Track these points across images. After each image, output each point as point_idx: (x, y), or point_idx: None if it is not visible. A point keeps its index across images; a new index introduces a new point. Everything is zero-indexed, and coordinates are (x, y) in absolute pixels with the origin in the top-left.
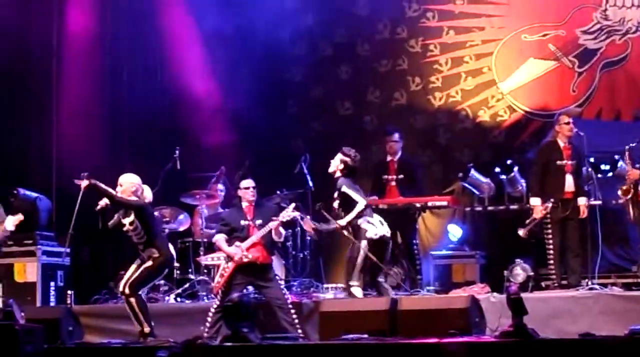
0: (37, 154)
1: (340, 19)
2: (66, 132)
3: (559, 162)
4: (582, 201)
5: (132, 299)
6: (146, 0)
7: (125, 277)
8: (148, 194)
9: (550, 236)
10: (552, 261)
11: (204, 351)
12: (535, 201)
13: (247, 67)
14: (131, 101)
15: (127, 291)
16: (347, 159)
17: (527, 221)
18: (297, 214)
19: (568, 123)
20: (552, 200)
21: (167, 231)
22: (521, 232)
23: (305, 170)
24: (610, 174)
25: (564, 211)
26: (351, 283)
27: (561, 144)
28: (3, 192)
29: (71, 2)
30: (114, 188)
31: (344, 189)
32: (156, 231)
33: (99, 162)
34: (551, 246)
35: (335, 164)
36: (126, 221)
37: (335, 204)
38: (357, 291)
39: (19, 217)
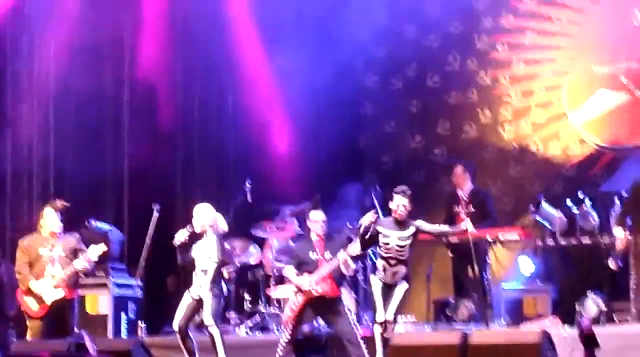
0: (110, 186)
1: (411, 52)
2: (138, 165)
3: None
4: None
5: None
6: (217, 34)
7: (206, 309)
8: (223, 225)
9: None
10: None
11: None
12: (617, 232)
13: (318, 100)
14: (202, 134)
15: (214, 323)
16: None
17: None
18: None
19: None
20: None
21: (238, 264)
22: (611, 263)
23: (376, 203)
24: None
25: None
26: None
27: None
28: (76, 224)
29: (144, 34)
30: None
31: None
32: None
33: (171, 194)
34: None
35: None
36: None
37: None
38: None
39: (102, 247)
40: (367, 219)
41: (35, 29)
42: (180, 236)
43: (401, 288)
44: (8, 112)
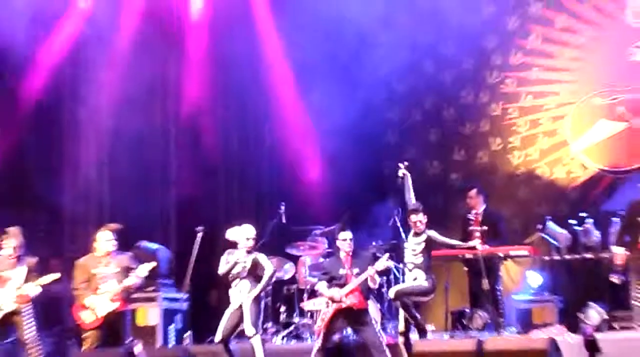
0: (159, 210)
1: (427, 87)
2: (184, 191)
3: None
4: None
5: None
6: (254, 75)
7: (247, 320)
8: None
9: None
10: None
11: None
12: (616, 249)
13: (345, 132)
14: (241, 164)
15: (255, 332)
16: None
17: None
18: (391, 263)
19: None
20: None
21: (274, 279)
22: (614, 278)
23: (398, 224)
24: None
25: None
26: None
27: None
28: (128, 245)
29: (188, 76)
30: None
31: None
32: None
33: (213, 217)
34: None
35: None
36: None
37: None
38: None
39: (152, 264)
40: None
41: (91, 73)
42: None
43: (418, 279)
44: (66, 147)
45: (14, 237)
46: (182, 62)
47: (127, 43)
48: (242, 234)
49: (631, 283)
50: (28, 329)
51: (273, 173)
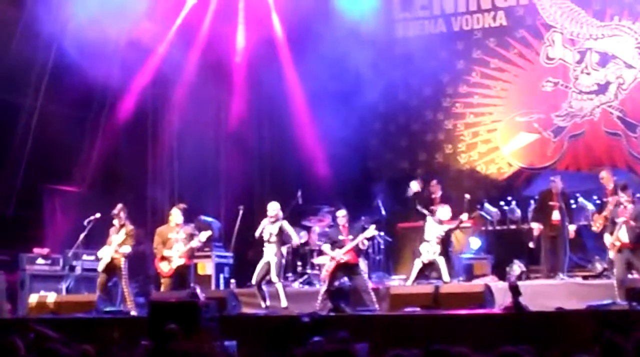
0: (212, 193)
1: (401, 108)
2: (231, 181)
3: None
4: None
5: (281, 283)
6: (280, 99)
7: (272, 271)
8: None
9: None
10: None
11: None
12: (533, 224)
13: (344, 141)
14: (271, 162)
15: (278, 280)
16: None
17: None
18: (375, 232)
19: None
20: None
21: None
22: (531, 244)
23: (380, 204)
24: (574, 206)
25: (552, 231)
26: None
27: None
28: (191, 218)
29: (234, 98)
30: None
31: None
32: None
33: (251, 199)
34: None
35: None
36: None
37: None
38: None
39: (208, 233)
40: (415, 186)
41: (166, 97)
42: (264, 223)
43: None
44: (149, 149)
45: (120, 212)
46: (230, 89)
47: (191, 76)
48: (269, 208)
49: (542, 247)
50: (124, 275)
51: (294, 168)
